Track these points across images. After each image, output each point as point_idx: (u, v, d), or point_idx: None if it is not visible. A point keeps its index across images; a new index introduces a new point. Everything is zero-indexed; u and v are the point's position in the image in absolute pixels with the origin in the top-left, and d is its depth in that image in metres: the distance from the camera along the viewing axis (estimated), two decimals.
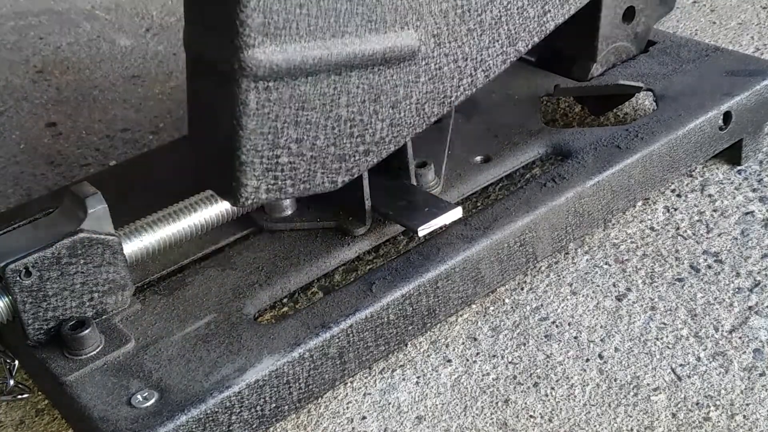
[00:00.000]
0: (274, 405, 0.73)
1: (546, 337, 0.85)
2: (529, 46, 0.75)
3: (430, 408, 0.79)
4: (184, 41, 0.68)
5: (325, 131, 0.67)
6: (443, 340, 0.85)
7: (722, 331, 0.84)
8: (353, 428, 0.78)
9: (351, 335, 0.76)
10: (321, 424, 0.78)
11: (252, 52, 0.61)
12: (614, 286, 0.90)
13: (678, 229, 0.96)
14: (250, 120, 0.63)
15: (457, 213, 0.83)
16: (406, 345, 0.85)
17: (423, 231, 0.81)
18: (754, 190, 1.01)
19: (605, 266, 0.92)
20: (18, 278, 0.71)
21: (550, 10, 0.74)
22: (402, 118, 0.70)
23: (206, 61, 0.66)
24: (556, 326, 0.86)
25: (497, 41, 0.73)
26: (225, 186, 0.67)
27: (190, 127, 0.72)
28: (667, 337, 0.84)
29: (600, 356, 0.82)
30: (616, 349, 0.83)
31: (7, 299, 0.72)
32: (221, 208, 0.81)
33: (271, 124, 0.64)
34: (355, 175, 0.71)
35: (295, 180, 0.67)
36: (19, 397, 0.82)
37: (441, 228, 0.83)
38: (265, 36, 0.61)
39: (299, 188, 0.68)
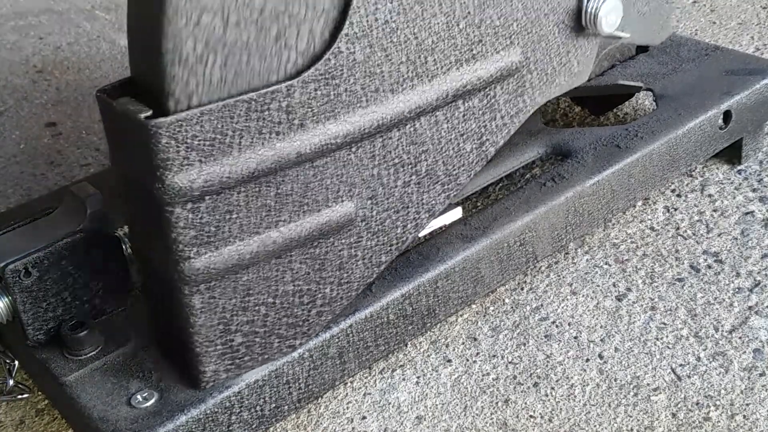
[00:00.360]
0: (273, 405, 0.73)
1: (546, 337, 0.85)
2: (472, 175, 0.76)
3: (430, 408, 0.79)
4: (130, 243, 0.71)
5: (275, 308, 0.69)
6: (443, 340, 0.85)
7: (722, 331, 0.84)
8: (353, 428, 0.78)
9: (351, 335, 0.76)
10: (321, 424, 0.78)
11: (189, 264, 0.63)
12: (614, 286, 0.90)
13: (678, 229, 0.96)
14: (198, 318, 0.66)
15: (456, 213, 0.83)
16: (406, 345, 0.85)
17: (423, 231, 0.81)
18: (754, 190, 1.00)
19: (605, 266, 0.92)
20: (18, 278, 0.71)
21: (488, 139, 0.75)
22: (350, 275, 0.72)
23: (152, 268, 0.68)
24: (556, 326, 0.86)
25: (437, 183, 0.74)
26: (188, 371, 0.69)
27: (149, 317, 0.75)
28: (667, 337, 0.84)
29: (600, 356, 0.82)
30: (616, 349, 0.83)
31: (7, 299, 0.72)
32: None
33: (220, 315, 0.66)
34: (312, 336, 0.73)
35: (252, 355, 0.70)
36: (19, 397, 0.82)
37: (441, 227, 0.83)
38: (200, 246, 0.63)
39: (257, 360, 0.70)
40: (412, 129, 0.70)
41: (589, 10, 0.78)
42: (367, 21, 0.65)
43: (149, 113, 0.59)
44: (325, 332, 0.74)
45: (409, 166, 0.72)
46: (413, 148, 0.71)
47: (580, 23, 0.79)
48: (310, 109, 0.64)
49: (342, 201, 0.68)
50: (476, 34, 0.71)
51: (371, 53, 0.66)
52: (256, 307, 0.68)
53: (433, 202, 0.74)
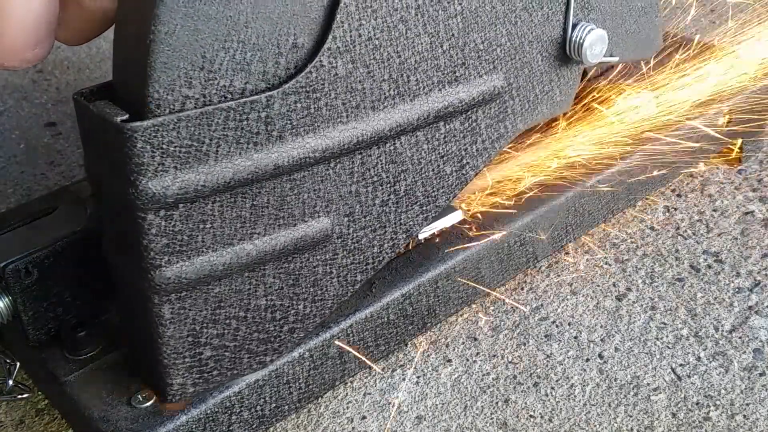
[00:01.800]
0: (274, 405, 0.73)
1: (546, 336, 0.85)
2: (451, 198, 0.76)
3: (430, 408, 0.79)
4: (102, 249, 0.70)
5: (246, 322, 0.68)
6: (443, 339, 0.85)
7: (722, 330, 0.84)
8: (353, 428, 0.78)
9: (351, 335, 0.76)
10: (321, 423, 0.78)
11: (160, 272, 0.62)
12: (614, 285, 0.90)
13: (678, 228, 0.96)
14: (167, 329, 0.65)
15: (457, 216, 0.83)
16: (406, 345, 0.85)
17: (423, 234, 0.81)
18: (754, 190, 1.00)
19: (605, 266, 0.92)
20: (18, 278, 0.71)
21: (468, 162, 0.75)
22: (324, 292, 0.71)
23: (122, 276, 0.67)
24: (556, 326, 0.86)
25: (415, 204, 0.73)
26: (154, 382, 0.69)
27: (119, 324, 0.74)
28: (667, 336, 0.84)
29: (600, 356, 0.82)
30: (616, 349, 0.83)
31: (7, 299, 0.72)
32: None
33: (189, 327, 0.66)
34: (284, 354, 0.72)
35: (221, 369, 0.69)
36: (19, 397, 0.82)
37: (441, 230, 0.83)
38: (171, 255, 0.62)
39: (226, 375, 0.69)
40: (392, 148, 0.70)
41: (574, 39, 0.78)
42: (351, 36, 0.64)
43: (125, 117, 0.59)
44: (325, 332, 0.74)
45: (388, 185, 0.71)
46: (393, 167, 0.71)
47: (564, 52, 0.79)
48: (289, 122, 0.63)
49: (318, 216, 0.68)
50: (460, 56, 0.71)
51: (353, 69, 0.65)
52: (227, 321, 0.67)
53: (411, 222, 0.74)
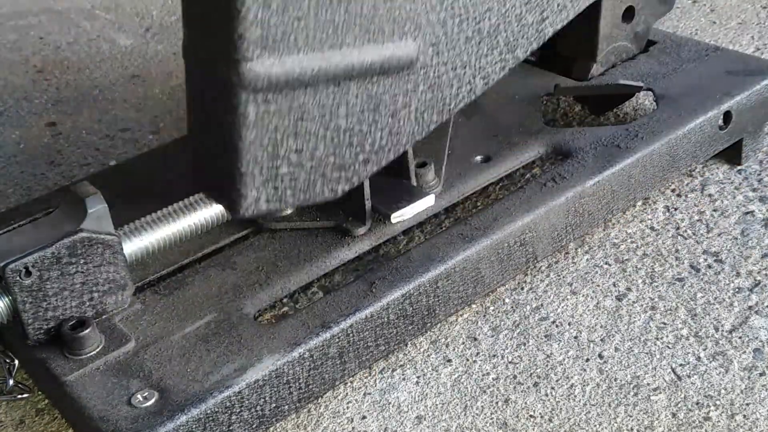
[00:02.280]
0: (274, 405, 0.73)
1: (546, 336, 0.85)
2: (528, 53, 0.76)
3: (430, 408, 0.79)
4: (183, 50, 0.68)
5: (325, 141, 0.67)
6: (443, 339, 0.85)
7: (722, 330, 0.84)
8: (353, 428, 0.78)
9: (351, 335, 0.76)
10: (321, 423, 0.78)
11: (250, 65, 0.61)
12: (614, 285, 0.90)
13: (678, 228, 0.96)
14: (250, 132, 0.63)
15: (429, 201, 0.84)
16: (406, 345, 0.85)
17: (396, 219, 0.82)
18: (754, 190, 1.01)
19: (605, 266, 0.92)
20: (18, 278, 0.71)
21: (548, 17, 0.75)
22: (401, 126, 0.71)
23: (206, 72, 0.66)
24: (556, 326, 0.86)
25: (495, 49, 0.73)
26: (226, 195, 0.67)
27: (189, 134, 0.72)
28: (667, 336, 0.84)
29: (600, 356, 0.82)
30: (616, 349, 0.83)
31: (7, 299, 0.72)
32: (221, 207, 0.81)
33: (271, 135, 0.64)
34: (355, 184, 0.71)
35: (295, 190, 0.68)
36: (19, 396, 0.82)
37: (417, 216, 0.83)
38: (264, 49, 0.61)
39: (299, 197, 0.68)
40: None
41: None
42: None
43: None
44: (325, 332, 0.74)
45: (473, 21, 0.71)
46: (480, 2, 0.70)
47: None
48: None
49: (406, 39, 0.68)
50: None
51: None
52: (308, 136, 0.66)
53: (490, 69, 0.73)
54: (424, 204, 0.82)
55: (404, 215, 0.81)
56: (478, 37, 0.72)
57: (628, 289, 0.89)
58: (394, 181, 0.86)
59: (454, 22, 0.70)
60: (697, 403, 0.77)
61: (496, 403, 0.79)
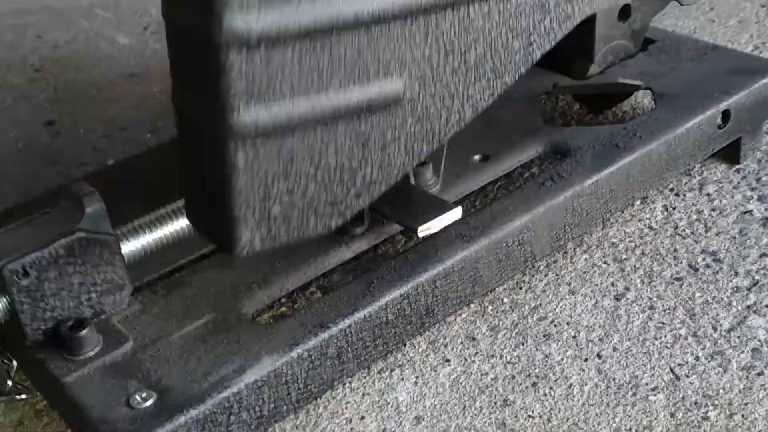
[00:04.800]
0: (272, 405, 0.73)
1: (544, 336, 0.85)
2: (517, 77, 0.76)
3: (429, 408, 0.79)
4: (172, 100, 0.70)
5: (315, 180, 0.68)
6: (442, 339, 0.85)
7: (721, 330, 0.84)
8: (352, 428, 0.78)
9: (349, 335, 0.76)
10: (320, 424, 0.78)
11: (238, 116, 0.62)
12: (613, 285, 0.90)
13: (676, 228, 0.96)
14: (240, 178, 0.65)
15: (456, 213, 0.83)
16: (404, 345, 0.85)
17: (423, 232, 0.81)
18: (752, 189, 1.00)
19: (604, 265, 0.92)
20: (15, 278, 0.71)
21: (535, 41, 0.75)
22: (391, 159, 0.72)
23: (195, 121, 0.67)
24: (555, 326, 0.86)
25: (483, 77, 0.74)
26: (221, 238, 0.69)
27: (181, 177, 0.73)
28: (665, 336, 0.84)
29: (598, 356, 0.82)
30: (615, 349, 0.83)
31: (4, 300, 0.72)
32: None
33: (261, 179, 0.66)
34: (349, 218, 0.72)
35: (288, 228, 0.69)
36: (18, 397, 0.82)
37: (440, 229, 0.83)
38: (250, 99, 0.62)
39: (293, 235, 0.69)
40: (465, 14, 0.70)
41: None
42: None
43: None
44: (323, 332, 0.74)
45: (459, 53, 0.71)
46: (464, 34, 0.71)
47: None
48: None
49: (391, 77, 0.68)
50: None
51: None
52: (298, 177, 0.67)
53: (478, 96, 0.74)
54: (452, 217, 0.82)
55: (431, 229, 0.81)
56: (465, 68, 0.72)
57: (627, 288, 0.89)
58: (413, 190, 0.86)
59: (440, 56, 0.71)
60: (696, 403, 0.77)
61: (495, 403, 0.79)
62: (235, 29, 0.60)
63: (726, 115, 0.98)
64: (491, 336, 0.85)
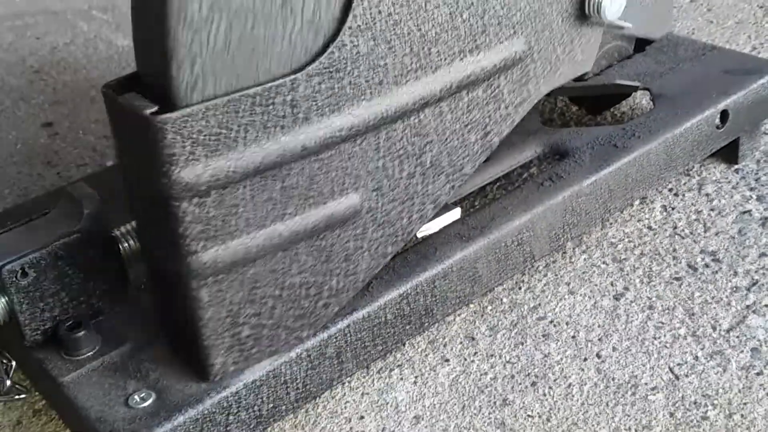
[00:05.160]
0: (271, 405, 0.73)
1: (544, 336, 0.85)
2: (477, 165, 0.76)
3: (428, 408, 0.79)
4: (139, 242, 0.71)
5: (282, 299, 0.69)
6: (441, 339, 0.85)
7: (720, 330, 0.84)
8: (351, 428, 0.78)
9: (348, 335, 0.76)
10: (319, 424, 0.78)
11: (196, 258, 0.63)
12: (612, 285, 0.90)
13: (675, 228, 0.96)
14: (206, 312, 0.66)
15: (455, 214, 0.83)
16: (403, 344, 0.85)
17: (422, 233, 0.81)
18: (751, 189, 1.01)
19: (603, 265, 0.92)
20: (15, 279, 0.71)
21: (492, 129, 0.75)
22: (357, 267, 0.72)
23: (159, 261, 0.68)
24: (554, 325, 0.86)
25: (442, 173, 0.74)
26: (196, 365, 0.70)
27: (156, 311, 0.75)
28: (664, 336, 0.84)
29: (598, 355, 0.82)
30: (614, 349, 0.83)
31: (3, 300, 0.72)
32: None
33: (228, 308, 0.67)
34: (320, 327, 0.73)
35: (260, 347, 0.70)
36: (17, 397, 0.82)
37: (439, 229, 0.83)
38: (206, 240, 0.63)
39: (265, 353, 0.70)
40: (416, 120, 0.70)
41: None
42: (371, 13, 0.65)
43: (155, 109, 0.59)
44: (322, 332, 0.74)
45: (414, 158, 0.71)
46: (418, 139, 0.71)
47: (583, 12, 0.79)
48: (314, 103, 0.64)
49: (347, 193, 0.68)
50: (479, 24, 0.71)
51: (375, 46, 0.66)
52: (264, 300, 0.68)
53: (439, 192, 0.74)
54: (451, 217, 0.82)
55: (430, 229, 0.81)
56: (422, 170, 0.73)
57: (626, 288, 0.89)
58: None
59: (395, 165, 0.71)
60: (695, 403, 0.77)
61: (494, 402, 0.79)
62: (184, 182, 0.60)
63: (724, 115, 0.98)
64: (490, 336, 0.85)
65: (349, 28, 0.64)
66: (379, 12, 0.65)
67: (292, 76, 0.63)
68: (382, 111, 0.68)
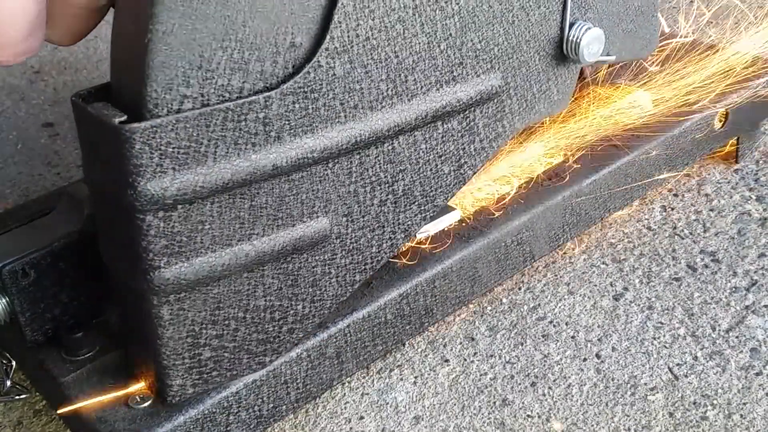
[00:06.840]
0: (271, 405, 0.73)
1: (543, 336, 0.85)
2: (450, 197, 0.76)
3: (428, 408, 0.79)
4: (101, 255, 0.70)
5: (245, 322, 0.68)
6: (441, 339, 0.85)
7: (719, 330, 0.84)
8: (351, 428, 0.78)
9: (348, 335, 0.76)
10: (319, 424, 0.78)
11: (159, 273, 0.62)
12: (611, 285, 0.90)
13: (675, 228, 0.96)
14: (166, 330, 0.65)
15: (455, 215, 0.83)
16: (403, 345, 0.85)
17: (422, 234, 0.81)
18: (750, 190, 1.01)
19: (602, 265, 0.92)
20: (16, 279, 0.71)
21: (466, 162, 0.75)
22: (323, 293, 0.71)
23: (122, 277, 0.67)
24: (554, 326, 0.86)
25: (413, 203, 0.74)
26: (155, 385, 0.69)
27: (118, 325, 0.74)
28: (664, 336, 0.84)
29: (597, 356, 0.82)
30: (614, 349, 0.83)
31: (4, 300, 0.72)
32: None
33: (189, 328, 0.66)
34: (283, 353, 0.72)
35: (220, 370, 0.69)
36: (17, 397, 0.82)
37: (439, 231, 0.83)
38: (170, 256, 0.62)
39: (226, 376, 0.69)
40: (390, 148, 0.70)
41: (570, 38, 0.78)
42: (348, 36, 0.64)
43: (124, 118, 0.59)
44: (322, 332, 0.74)
45: (386, 185, 0.71)
46: (391, 167, 0.71)
47: (561, 51, 0.79)
48: (287, 122, 0.63)
49: (317, 217, 0.68)
50: (457, 56, 0.71)
51: (351, 69, 0.65)
52: (227, 321, 0.67)
53: (410, 222, 0.74)
54: (451, 219, 0.82)
55: (429, 231, 0.81)
56: (394, 198, 0.72)
57: (625, 288, 0.89)
58: None
59: (366, 191, 0.70)
60: (694, 403, 0.77)
61: (494, 403, 0.79)
62: (150, 194, 0.59)
63: (724, 115, 0.98)
64: (490, 336, 0.85)
65: (326, 49, 0.63)
66: (357, 35, 0.65)
67: (266, 94, 0.62)
68: (356, 135, 0.67)
